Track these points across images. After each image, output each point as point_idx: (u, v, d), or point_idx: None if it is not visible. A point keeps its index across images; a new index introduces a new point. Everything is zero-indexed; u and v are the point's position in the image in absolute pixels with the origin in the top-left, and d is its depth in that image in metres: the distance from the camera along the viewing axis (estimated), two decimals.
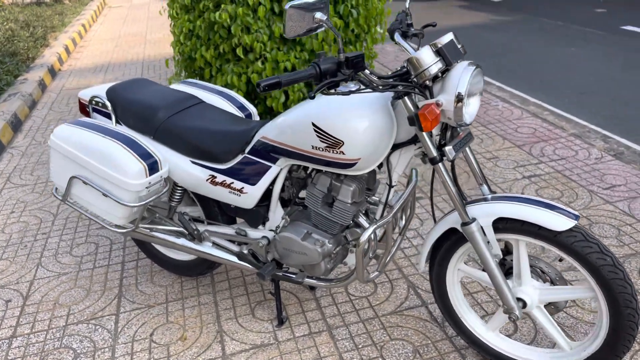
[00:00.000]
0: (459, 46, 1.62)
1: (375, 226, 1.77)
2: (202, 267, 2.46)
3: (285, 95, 3.57)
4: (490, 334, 1.94)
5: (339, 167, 1.76)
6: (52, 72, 6.55)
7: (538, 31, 7.32)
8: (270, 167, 1.95)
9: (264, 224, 2.12)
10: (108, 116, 2.23)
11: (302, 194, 2.06)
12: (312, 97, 1.45)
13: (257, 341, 2.18)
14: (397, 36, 1.84)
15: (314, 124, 1.73)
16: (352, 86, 1.64)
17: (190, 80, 2.55)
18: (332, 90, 1.55)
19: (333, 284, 2.02)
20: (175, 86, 2.46)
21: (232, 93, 2.45)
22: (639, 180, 3.12)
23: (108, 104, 2.19)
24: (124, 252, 2.86)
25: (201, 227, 2.24)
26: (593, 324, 2.12)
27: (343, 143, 1.69)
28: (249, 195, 2.00)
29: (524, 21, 8.04)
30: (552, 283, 1.76)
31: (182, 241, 2.25)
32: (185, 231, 2.23)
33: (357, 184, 1.85)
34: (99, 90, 2.28)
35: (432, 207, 1.92)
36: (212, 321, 2.31)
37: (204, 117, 2.12)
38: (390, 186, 1.85)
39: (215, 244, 2.23)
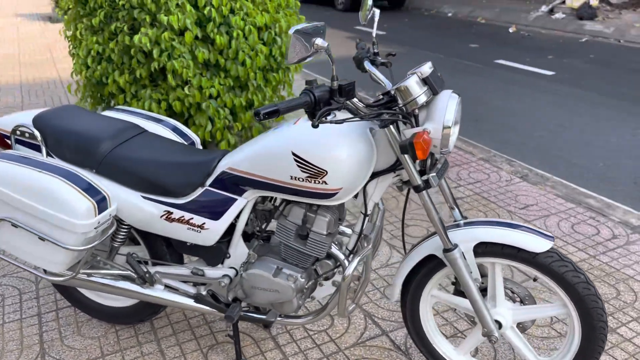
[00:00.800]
0: (439, 75, 1.65)
1: (359, 257, 1.72)
2: (144, 313, 2.22)
3: (211, 123, 3.41)
4: (462, 358, 1.96)
5: (318, 198, 1.69)
6: None
7: (423, 62, 7.83)
8: (235, 199, 1.82)
9: (223, 261, 1.97)
10: (36, 148, 1.95)
11: (267, 227, 1.95)
12: (316, 126, 1.39)
13: None
14: (367, 64, 1.83)
15: (294, 154, 1.65)
16: (340, 115, 1.60)
17: (122, 107, 2.33)
18: (326, 119, 1.50)
19: (307, 320, 1.92)
20: (108, 114, 2.24)
21: (173, 121, 2.28)
22: (547, 200, 3.41)
23: (37, 134, 1.91)
24: (38, 302, 2.50)
25: (150, 269, 2.02)
26: (558, 338, 2.24)
27: (326, 172, 1.63)
28: (211, 232, 1.85)
29: (409, 53, 8.57)
30: (522, 302, 1.83)
31: (128, 285, 2.01)
32: (132, 274, 1.99)
33: (331, 214, 1.80)
34: (22, 118, 1.99)
35: (403, 237, 1.92)
36: None
37: (153, 147, 1.94)
38: (365, 215, 1.81)
39: (167, 287, 2.02)
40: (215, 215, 1.84)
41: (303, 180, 1.66)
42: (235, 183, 1.80)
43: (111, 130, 1.95)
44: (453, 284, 1.93)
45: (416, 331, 1.96)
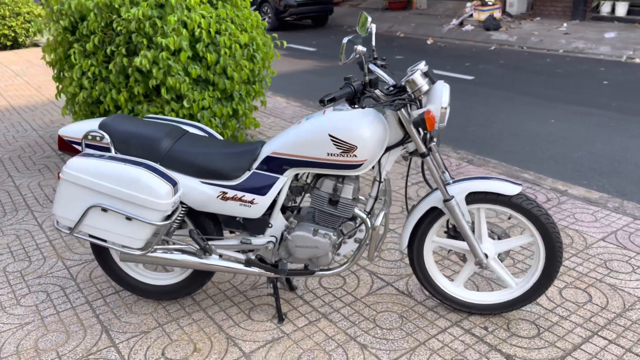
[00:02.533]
0: (431, 70, 2.24)
1: (384, 212, 2.26)
2: (192, 286, 2.62)
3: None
4: (458, 290, 2.54)
5: (348, 169, 2.22)
6: None
7: (356, 73, 8.55)
8: (277, 178, 2.31)
9: (264, 231, 2.43)
10: (104, 150, 2.33)
11: (301, 201, 2.43)
12: (363, 107, 1.93)
13: (268, 337, 2.45)
14: (372, 66, 2.38)
15: (330, 135, 2.17)
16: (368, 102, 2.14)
17: (152, 116, 2.74)
18: (358, 105, 2.05)
19: (340, 270, 2.42)
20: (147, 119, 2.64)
21: (198, 124, 2.72)
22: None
23: (107, 137, 2.30)
24: (82, 293, 2.82)
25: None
26: (527, 264, 2.87)
27: (356, 147, 2.16)
28: (259, 205, 2.32)
29: (342, 67, 9.28)
30: (500, 238, 2.44)
31: (189, 258, 2.42)
32: (191, 249, 2.41)
33: (355, 183, 2.32)
34: (89, 125, 2.37)
35: (406, 197, 2.48)
36: (216, 331, 2.49)
37: (202, 142, 2.39)
38: (380, 182, 2.36)
39: (220, 257, 2.45)
40: (262, 191, 2.31)
41: (338, 155, 2.18)
42: (278, 164, 2.29)
43: (165, 131, 2.37)
44: (445, 232, 2.51)
45: (422, 271, 2.51)
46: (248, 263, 2.43)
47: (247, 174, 2.31)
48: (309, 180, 2.42)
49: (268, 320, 2.56)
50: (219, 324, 2.55)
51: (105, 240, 2.28)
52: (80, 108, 3.93)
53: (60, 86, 4.18)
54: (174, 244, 2.44)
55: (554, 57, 9.27)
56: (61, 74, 4.08)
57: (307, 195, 2.42)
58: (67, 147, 2.39)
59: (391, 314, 2.59)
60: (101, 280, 2.92)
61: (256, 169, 2.31)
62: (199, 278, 2.60)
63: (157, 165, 2.21)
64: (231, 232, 2.56)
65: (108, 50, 3.63)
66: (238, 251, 2.48)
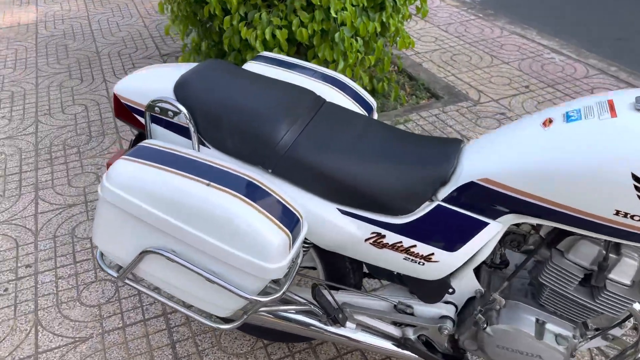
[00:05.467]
0: None
1: None
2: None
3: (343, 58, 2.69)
4: None
5: None
6: None
7: None
8: (486, 224, 1.20)
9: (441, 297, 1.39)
10: (180, 129, 1.34)
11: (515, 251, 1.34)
12: None
13: None
14: None
15: (636, 177, 0.99)
16: None
17: (267, 54, 1.67)
18: None
19: None
20: (251, 67, 1.59)
21: (342, 77, 1.62)
22: None
23: (185, 112, 1.29)
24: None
25: (337, 298, 1.47)
26: None
27: None
28: (441, 265, 1.26)
29: None
30: None
31: (309, 321, 1.47)
32: (316, 310, 1.44)
33: None
34: (156, 84, 1.36)
35: None
36: None
37: (351, 134, 1.31)
38: None
39: (360, 325, 1.47)
40: (451, 243, 1.23)
41: None
42: (489, 201, 1.17)
43: (288, 106, 1.31)
44: None
45: None
46: (404, 345, 1.44)
47: (425, 208, 1.23)
48: (538, 230, 1.29)
49: None
50: None
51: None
52: (179, 6, 2.92)
53: None
54: (290, 301, 1.48)
55: None
56: None
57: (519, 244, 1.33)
58: (126, 115, 1.42)
59: None
60: None
61: (445, 200, 1.22)
62: None
63: (267, 185, 1.19)
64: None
65: None
66: (386, 319, 1.49)
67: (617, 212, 1.03)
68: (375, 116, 1.66)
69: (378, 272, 1.42)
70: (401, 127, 3.02)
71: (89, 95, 3.49)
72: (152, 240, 1.19)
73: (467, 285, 1.35)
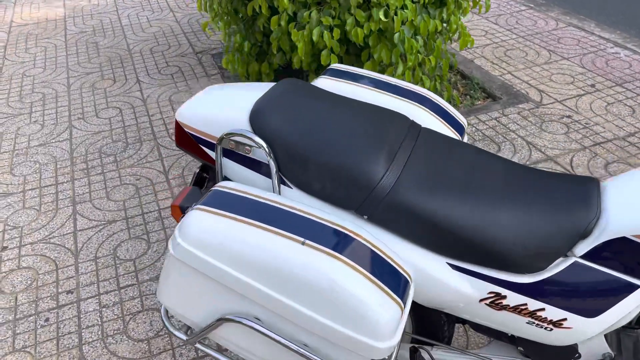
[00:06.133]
0: None
1: None
2: None
3: (402, 60, 2.46)
4: None
5: None
6: None
7: None
8: (637, 287, 0.98)
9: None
10: (252, 165, 1.14)
11: None
12: None
13: None
14: None
15: None
16: None
17: (339, 67, 1.46)
18: None
19: None
20: (324, 83, 1.38)
21: (430, 94, 1.41)
22: None
23: (266, 147, 1.09)
24: None
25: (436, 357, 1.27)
26: None
27: None
28: (574, 332, 1.04)
29: None
30: None
31: None
32: None
33: None
34: (229, 111, 1.16)
35: None
36: None
37: (458, 168, 1.09)
38: None
39: None
40: (590, 308, 1.01)
41: None
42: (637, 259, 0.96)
43: (384, 138, 1.10)
44: None
45: None
46: None
47: (559, 265, 1.02)
48: None
49: None
50: None
51: None
52: (220, 3, 2.71)
53: None
54: None
55: None
56: None
57: None
58: (191, 146, 1.23)
59: None
60: None
61: (584, 256, 1.00)
62: None
63: (372, 242, 0.98)
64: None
65: None
66: None
67: None
68: (466, 139, 1.45)
69: (484, 329, 1.22)
70: None
71: (123, 97, 3.31)
72: (232, 306, 0.99)
73: (595, 348, 1.14)
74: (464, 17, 3.54)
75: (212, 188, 1.06)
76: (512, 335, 1.19)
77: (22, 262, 2.17)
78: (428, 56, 2.57)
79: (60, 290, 2.04)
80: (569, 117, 2.89)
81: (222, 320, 1.00)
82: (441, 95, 3.07)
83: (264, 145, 1.09)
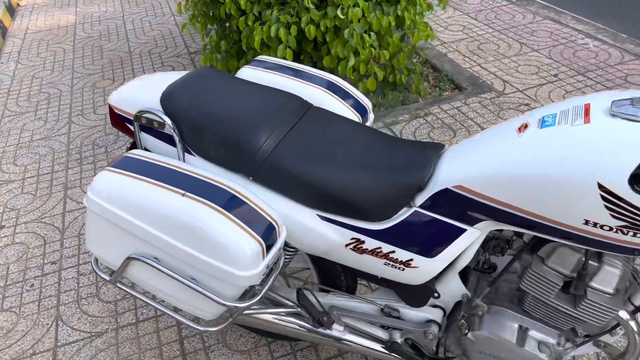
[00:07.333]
0: None
1: None
2: None
3: (355, 54, 2.68)
4: None
5: (630, 253, 1.02)
6: (10, 9, 5.34)
7: None
8: (463, 230, 1.18)
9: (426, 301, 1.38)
10: (165, 138, 1.38)
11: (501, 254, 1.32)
12: None
13: None
14: None
15: (602, 186, 0.95)
16: None
17: (264, 58, 1.69)
18: None
19: None
20: (247, 72, 1.61)
21: (336, 79, 1.62)
22: None
23: (169, 122, 1.33)
24: None
25: (324, 300, 1.49)
26: None
27: None
28: (421, 271, 1.25)
29: None
30: None
31: (299, 323, 1.50)
32: (303, 312, 1.47)
33: (626, 266, 1.12)
34: (145, 96, 1.41)
35: None
36: None
37: (333, 140, 1.31)
38: None
39: (348, 327, 1.49)
40: (429, 249, 1.22)
41: (611, 229, 0.98)
42: (464, 208, 1.16)
43: (271, 113, 1.33)
44: None
45: None
46: (391, 348, 1.44)
47: (403, 214, 1.23)
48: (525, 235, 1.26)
49: None
50: None
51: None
52: (196, 5, 2.98)
53: None
54: (278, 303, 1.51)
55: None
56: None
57: (503, 249, 1.30)
58: (121, 125, 1.48)
59: None
60: None
61: (422, 206, 1.21)
62: None
63: (244, 193, 1.22)
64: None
65: None
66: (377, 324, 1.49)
67: (587, 222, 1.00)
68: (371, 117, 1.66)
69: (365, 276, 1.43)
70: (421, 120, 2.98)
71: None
72: (135, 248, 1.24)
73: (453, 289, 1.34)
74: (428, 13, 3.72)
75: (123, 154, 1.31)
76: (388, 282, 1.40)
77: (16, 239, 2.46)
78: (382, 50, 2.77)
79: (46, 261, 2.33)
80: (526, 105, 3.05)
81: (129, 259, 1.25)
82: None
83: (168, 121, 1.33)
